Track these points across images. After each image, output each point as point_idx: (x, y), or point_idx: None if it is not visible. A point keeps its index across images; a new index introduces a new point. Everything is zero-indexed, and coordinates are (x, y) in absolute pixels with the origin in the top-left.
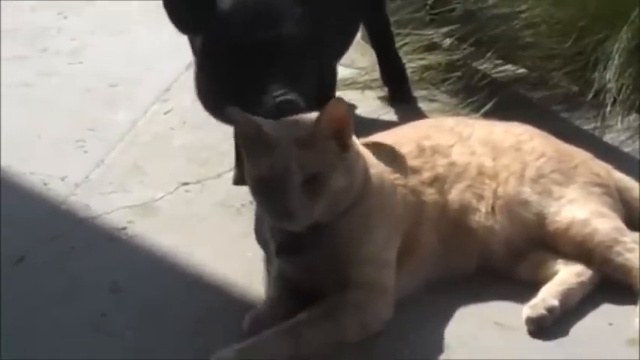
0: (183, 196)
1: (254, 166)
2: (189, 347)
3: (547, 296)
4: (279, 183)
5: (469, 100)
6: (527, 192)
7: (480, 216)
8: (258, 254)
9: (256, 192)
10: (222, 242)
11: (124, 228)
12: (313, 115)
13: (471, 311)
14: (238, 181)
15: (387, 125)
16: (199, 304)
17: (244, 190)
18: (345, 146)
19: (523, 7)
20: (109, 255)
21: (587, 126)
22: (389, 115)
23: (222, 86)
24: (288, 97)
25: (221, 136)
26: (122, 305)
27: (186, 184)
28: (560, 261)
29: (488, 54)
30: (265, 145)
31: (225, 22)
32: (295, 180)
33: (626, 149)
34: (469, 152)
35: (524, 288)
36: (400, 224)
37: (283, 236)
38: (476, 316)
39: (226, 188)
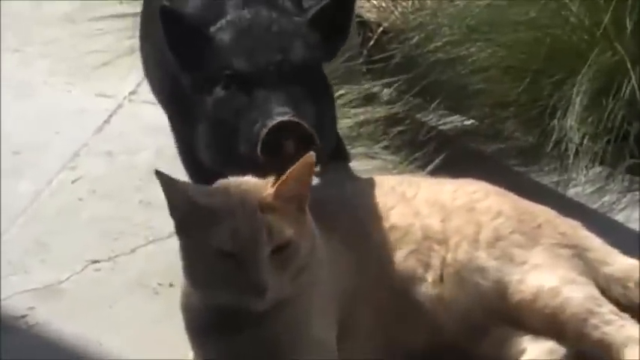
0: (93, 276)
1: (201, 239)
2: None
3: None
4: (245, 255)
5: (414, 157)
6: (483, 257)
7: (427, 286)
8: (177, 341)
9: (210, 270)
10: (137, 328)
11: (24, 316)
12: (245, 178)
13: None
14: None
15: None
16: None
17: (162, 268)
18: (302, 209)
19: (470, 51)
20: (6, 348)
21: (548, 180)
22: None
23: (229, 130)
24: (294, 118)
25: (136, 205)
26: None
27: (95, 262)
28: (527, 337)
29: (433, 104)
30: (210, 214)
31: (224, 54)
32: (266, 250)
33: (593, 205)
34: (412, 213)
35: None
36: (336, 301)
37: (219, 315)
38: None
39: (141, 265)
